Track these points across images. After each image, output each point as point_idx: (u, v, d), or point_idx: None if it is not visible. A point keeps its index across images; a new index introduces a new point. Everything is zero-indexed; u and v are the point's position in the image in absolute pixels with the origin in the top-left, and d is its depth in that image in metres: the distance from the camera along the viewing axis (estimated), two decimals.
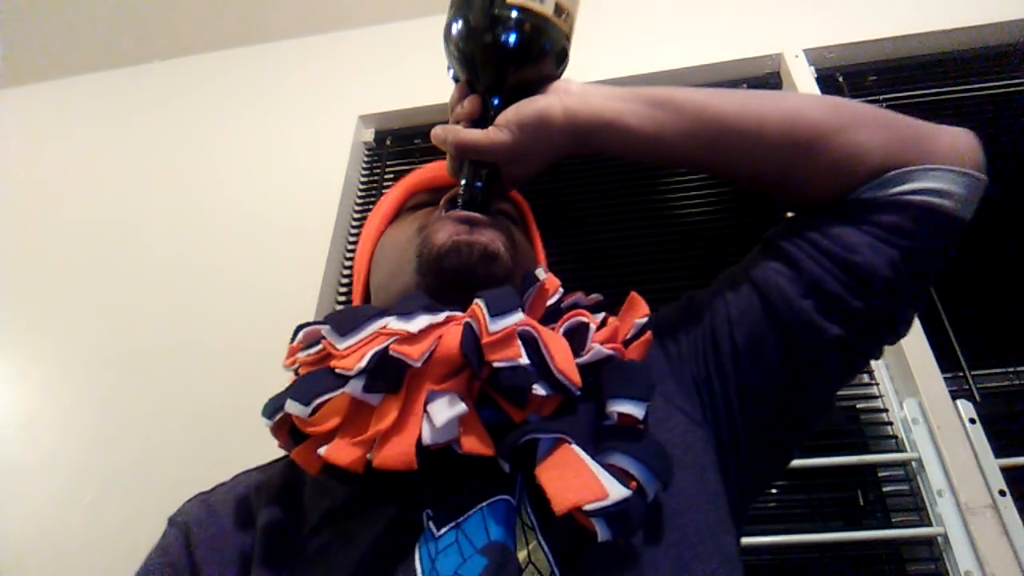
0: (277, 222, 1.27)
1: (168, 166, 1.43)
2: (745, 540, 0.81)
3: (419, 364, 0.37)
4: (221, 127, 1.47)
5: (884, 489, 0.90)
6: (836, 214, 0.44)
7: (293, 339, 0.44)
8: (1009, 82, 1.18)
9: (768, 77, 1.28)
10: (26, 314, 1.28)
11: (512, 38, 0.46)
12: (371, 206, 1.32)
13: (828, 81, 1.23)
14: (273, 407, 0.39)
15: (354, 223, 1.30)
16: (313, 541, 0.39)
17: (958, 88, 1.19)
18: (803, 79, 1.21)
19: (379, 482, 0.39)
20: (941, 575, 0.81)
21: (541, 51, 0.48)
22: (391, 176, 1.37)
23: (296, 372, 0.43)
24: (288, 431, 0.40)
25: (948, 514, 0.81)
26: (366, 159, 1.40)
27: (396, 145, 1.40)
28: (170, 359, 1.14)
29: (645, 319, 0.46)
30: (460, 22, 0.48)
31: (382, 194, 1.32)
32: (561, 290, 0.46)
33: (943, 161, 0.42)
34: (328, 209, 1.26)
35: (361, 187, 1.36)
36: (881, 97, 1.21)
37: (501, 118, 0.47)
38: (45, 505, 1.04)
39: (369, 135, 1.42)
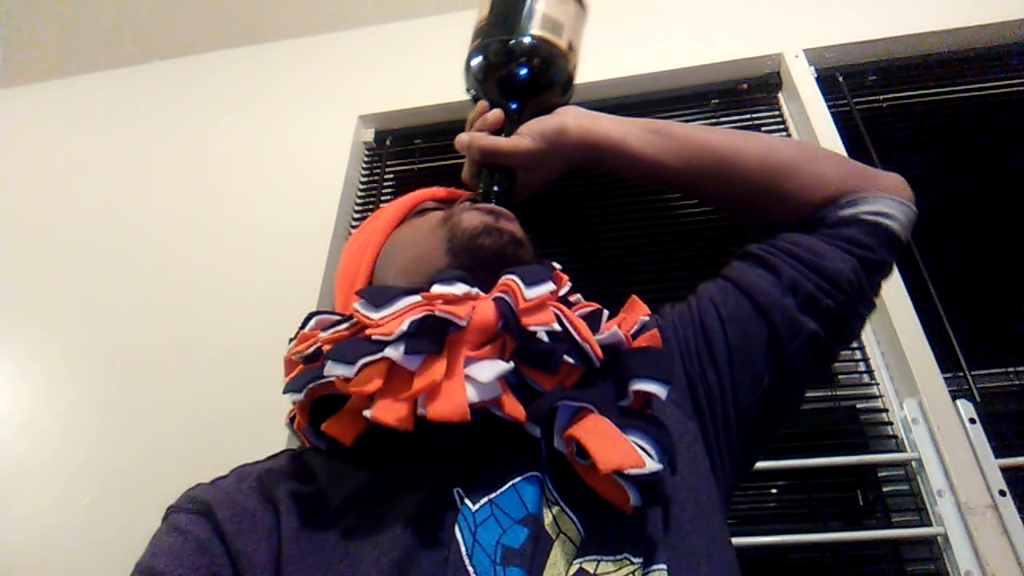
0: (277, 222, 1.27)
1: (168, 166, 1.43)
2: (745, 540, 0.81)
3: (464, 323, 0.39)
4: (221, 127, 1.47)
5: (884, 489, 0.90)
6: (803, 230, 0.52)
7: (303, 326, 0.45)
8: (1009, 82, 1.18)
9: (768, 77, 1.28)
10: (26, 314, 1.28)
11: (524, 71, 0.54)
12: (371, 206, 1.32)
13: (828, 81, 1.22)
14: (304, 380, 0.40)
15: (354, 223, 1.30)
16: (340, 522, 0.39)
17: (958, 88, 1.19)
18: (803, 79, 1.21)
19: (401, 466, 0.41)
20: (941, 575, 0.81)
21: (550, 82, 0.56)
22: (391, 176, 1.37)
23: (310, 357, 0.43)
24: (308, 412, 0.41)
25: (948, 514, 0.81)
26: (366, 159, 1.40)
27: (396, 145, 1.40)
28: (170, 359, 1.14)
29: (648, 317, 0.49)
30: (479, 57, 0.56)
31: (382, 194, 1.33)
32: (570, 283, 0.50)
33: (887, 191, 0.52)
34: (328, 209, 1.26)
35: (361, 187, 1.36)
36: (881, 97, 1.21)
37: (524, 128, 0.54)
38: (45, 505, 1.04)
39: (369, 135, 1.42)
